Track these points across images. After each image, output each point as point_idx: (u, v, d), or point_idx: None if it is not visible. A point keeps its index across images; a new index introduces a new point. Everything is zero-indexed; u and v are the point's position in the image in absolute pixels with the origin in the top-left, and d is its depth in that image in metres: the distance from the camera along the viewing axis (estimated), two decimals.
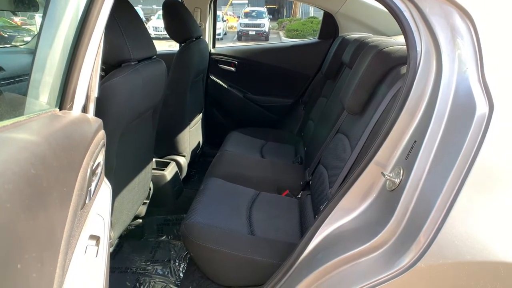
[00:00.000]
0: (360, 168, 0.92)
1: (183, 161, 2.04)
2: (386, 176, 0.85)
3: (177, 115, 1.92)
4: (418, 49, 0.85)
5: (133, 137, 1.32)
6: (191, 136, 2.12)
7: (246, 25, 15.84)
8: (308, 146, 2.01)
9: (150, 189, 1.75)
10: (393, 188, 0.83)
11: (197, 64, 1.96)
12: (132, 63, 1.16)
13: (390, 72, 1.20)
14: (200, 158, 2.62)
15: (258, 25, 15.73)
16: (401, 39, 1.03)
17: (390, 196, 0.85)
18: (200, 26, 2.17)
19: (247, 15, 16.58)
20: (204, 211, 1.37)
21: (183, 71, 1.86)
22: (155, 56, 1.36)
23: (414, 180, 0.78)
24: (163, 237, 1.87)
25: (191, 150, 2.14)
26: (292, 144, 2.36)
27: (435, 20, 0.80)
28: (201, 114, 2.28)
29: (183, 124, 1.97)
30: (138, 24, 1.21)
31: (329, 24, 2.32)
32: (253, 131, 2.41)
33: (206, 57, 2.14)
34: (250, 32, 15.65)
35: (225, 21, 18.00)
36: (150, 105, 1.38)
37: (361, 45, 1.55)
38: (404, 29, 0.85)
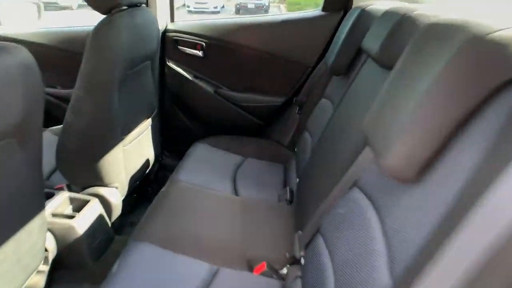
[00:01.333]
0: None
1: (114, 195, 1.36)
2: None
3: (98, 127, 1.22)
4: None
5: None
6: (130, 155, 1.43)
7: None
8: (301, 178, 1.33)
9: (46, 250, 1.09)
10: None
11: (131, 47, 1.25)
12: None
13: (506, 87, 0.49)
14: (157, 174, 1.93)
15: None
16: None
17: None
18: None
19: None
20: None
21: (103, 59, 1.15)
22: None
23: None
24: None
25: (129, 176, 1.46)
26: (281, 162, 1.67)
27: None
28: (150, 119, 1.58)
29: (110, 140, 1.28)
30: None
31: None
32: (227, 142, 1.71)
33: (151, 35, 1.42)
34: (249, 5, 14.50)
35: None
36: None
37: (404, 22, 0.84)
38: None
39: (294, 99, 1.72)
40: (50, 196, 1.27)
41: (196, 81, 1.79)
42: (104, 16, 1.18)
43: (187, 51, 1.73)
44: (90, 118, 1.20)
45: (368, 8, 1.20)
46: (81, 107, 1.18)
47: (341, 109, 1.13)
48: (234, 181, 1.45)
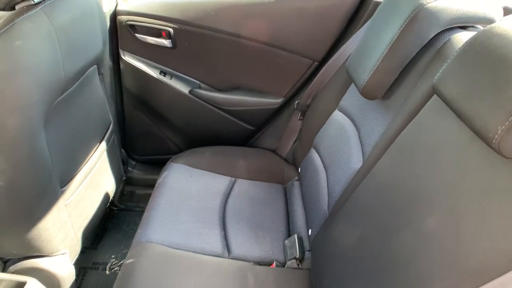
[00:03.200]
0: None
1: (62, 266, 0.99)
2: None
3: (21, 189, 0.81)
4: None
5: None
6: (78, 204, 1.03)
7: None
8: (312, 223, 1.00)
9: None
10: None
11: (55, 63, 0.81)
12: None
13: None
14: (122, 196, 1.56)
15: None
16: None
17: None
18: None
19: None
20: None
21: (3, 96, 0.71)
22: None
23: None
24: None
25: (81, 230, 1.07)
26: (280, 181, 1.33)
27: None
28: (104, 141, 1.16)
29: (44, 199, 0.88)
30: None
31: None
32: (209, 158, 1.33)
33: (93, 30, 0.96)
34: None
35: None
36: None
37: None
38: None
39: (296, 102, 1.32)
40: None
41: (164, 79, 1.34)
42: None
43: (148, 40, 1.26)
44: (8, 180, 0.78)
45: (432, 5, 0.77)
46: None
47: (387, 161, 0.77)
48: (223, 227, 1.10)
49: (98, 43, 1.02)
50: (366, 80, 0.83)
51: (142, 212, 1.62)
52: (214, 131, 1.46)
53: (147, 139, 1.54)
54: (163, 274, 0.89)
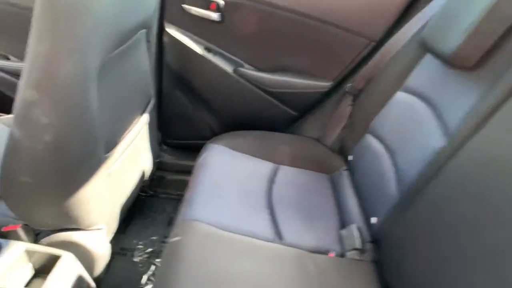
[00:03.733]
0: None
1: (98, 242, 0.90)
2: None
3: (65, 147, 0.73)
4: None
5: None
6: (118, 177, 0.95)
7: None
8: (377, 210, 0.90)
9: None
10: None
11: (119, 11, 0.74)
12: None
13: None
14: (151, 181, 1.47)
15: None
16: None
17: None
18: None
19: None
20: None
21: (70, 33, 0.63)
22: None
23: None
24: None
25: (118, 207, 0.99)
26: (326, 171, 1.24)
27: None
28: (146, 114, 1.08)
29: (87, 164, 0.80)
30: None
31: None
32: (251, 142, 1.25)
33: None
34: None
35: None
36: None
37: None
38: None
39: (348, 85, 1.23)
40: None
41: (208, 55, 1.26)
42: None
43: (195, 12, 1.19)
44: (50, 133, 0.70)
45: None
46: (33, 117, 0.68)
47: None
48: (271, 212, 1.00)
49: (151, 4, 0.94)
50: (458, 46, 0.74)
51: (170, 199, 1.54)
52: (254, 115, 1.37)
53: (182, 123, 1.46)
54: (215, 256, 0.79)
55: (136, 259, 1.28)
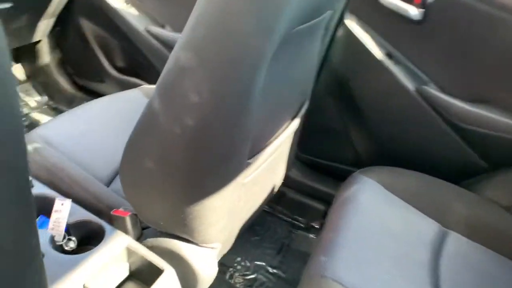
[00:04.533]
0: None
1: (207, 263, 0.70)
2: None
3: (213, 139, 0.54)
4: None
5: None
6: (250, 191, 0.74)
7: None
8: None
9: None
10: None
11: None
12: None
13: None
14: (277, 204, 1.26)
15: None
16: None
17: None
18: None
19: None
20: None
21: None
22: None
23: None
24: None
25: (238, 228, 0.78)
26: (508, 254, 0.84)
27: None
28: (298, 118, 0.86)
29: (229, 166, 0.60)
30: None
31: None
32: (412, 185, 0.93)
33: None
34: None
35: None
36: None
37: None
38: None
39: None
40: (97, 231, 0.68)
41: (388, 63, 0.98)
42: None
43: (389, 5, 0.91)
44: (194, 116, 0.51)
45: None
46: (181, 88, 0.51)
47: None
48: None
49: None
50: None
51: (284, 221, 1.31)
52: (423, 150, 1.04)
53: (322, 137, 1.21)
54: None
55: (233, 281, 1.08)
